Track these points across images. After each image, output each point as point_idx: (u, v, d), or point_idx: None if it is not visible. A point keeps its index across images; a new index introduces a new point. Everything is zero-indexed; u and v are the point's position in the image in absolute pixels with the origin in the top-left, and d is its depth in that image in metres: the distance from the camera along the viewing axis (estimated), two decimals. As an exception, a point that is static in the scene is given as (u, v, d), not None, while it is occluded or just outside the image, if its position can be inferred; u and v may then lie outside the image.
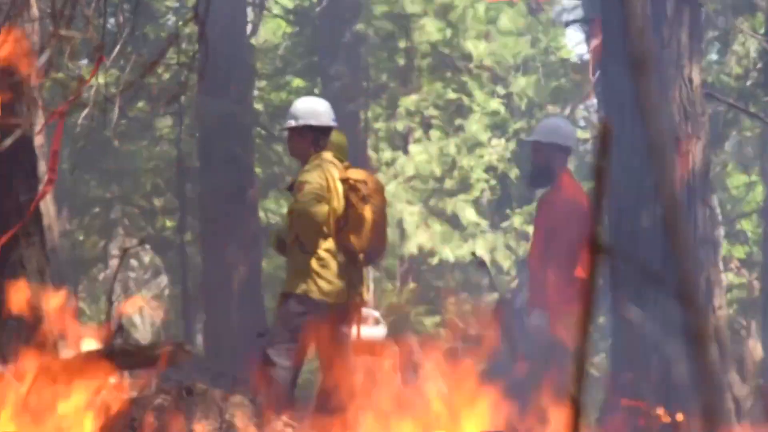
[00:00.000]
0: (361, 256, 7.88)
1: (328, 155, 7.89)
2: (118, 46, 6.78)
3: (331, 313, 7.74)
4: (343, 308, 7.82)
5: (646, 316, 8.52)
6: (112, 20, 9.21)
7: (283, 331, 7.73)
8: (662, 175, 1.57)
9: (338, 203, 7.80)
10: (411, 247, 15.87)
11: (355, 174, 7.94)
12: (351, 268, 7.85)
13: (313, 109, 8.00)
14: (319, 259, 7.76)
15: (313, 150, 7.90)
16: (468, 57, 16.63)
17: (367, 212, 7.86)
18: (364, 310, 8.04)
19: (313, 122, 7.91)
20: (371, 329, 8.03)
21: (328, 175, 7.77)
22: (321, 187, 7.70)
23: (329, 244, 7.79)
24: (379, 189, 8.05)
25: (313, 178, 7.72)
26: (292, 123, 7.96)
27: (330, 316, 7.74)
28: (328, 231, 7.78)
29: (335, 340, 7.82)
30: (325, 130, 7.94)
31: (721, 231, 13.58)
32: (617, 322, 9.22)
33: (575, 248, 8.78)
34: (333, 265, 7.78)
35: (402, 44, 16.34)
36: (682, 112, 9.18)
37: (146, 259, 18.33)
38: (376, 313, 8.18)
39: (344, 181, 7.86)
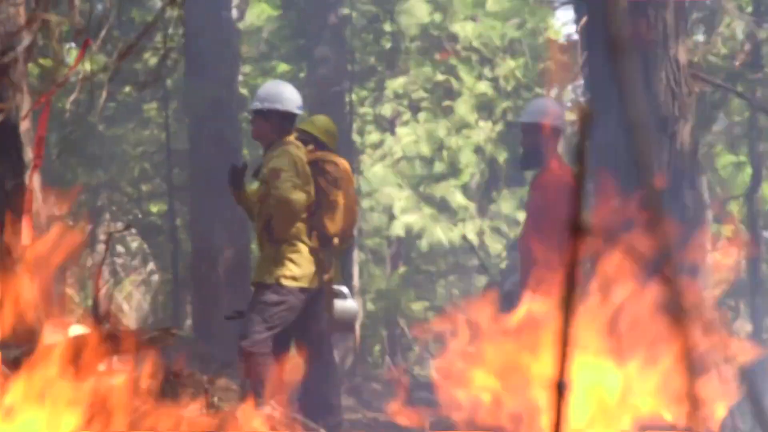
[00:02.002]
0: (335, 239, 7.86)
1: (290, 139, 7.83)
2: (104, 31, 6.74)
3: (305, 298, 7.70)
4: (317, 293, 7.78)
5: None
6: (99, 6, 9.17)
7: (258, 322, 7.64)
8: (643, 157, 1.57)
9: (310, 187, 7.76)
10: (397, 229, 15.85)
11: (324, 156, 7.91)
12: (323, 252, 7.82)
13: (279, 93, 7.91)
14: (290, 245, 7.70)
15: (276, 135, 7.82)
16: (455, 39, 16.59)
17: (340, 196, 7.84)
18: (333, 287, 8.00)
19: (279, 107, 7.81)
20: (343, 303, 8.00)
21: (296, 159, 7.72)
22: (296, 174, 7.65)
23: (298, 229, 7.73)
24: (348, 170, 8.04)
25: (286, 165, 7.65)
26: (258, 105, 7.89)
27: (304, 302, 7.70)
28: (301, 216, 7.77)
29: (312, 326, 7.80)
30: (290, 116, 7.86)
31: (709, 212, 13.58)
32: None
33: (565, 230, 8.73)
34: (304, 249, 7.73)
35: (388, 27, 16.29)
36: (669, 93, 9.16)
37: (134, 244, 18.29)
38: (345, 290, 8.13)
39: (312, 164, 7.82)
